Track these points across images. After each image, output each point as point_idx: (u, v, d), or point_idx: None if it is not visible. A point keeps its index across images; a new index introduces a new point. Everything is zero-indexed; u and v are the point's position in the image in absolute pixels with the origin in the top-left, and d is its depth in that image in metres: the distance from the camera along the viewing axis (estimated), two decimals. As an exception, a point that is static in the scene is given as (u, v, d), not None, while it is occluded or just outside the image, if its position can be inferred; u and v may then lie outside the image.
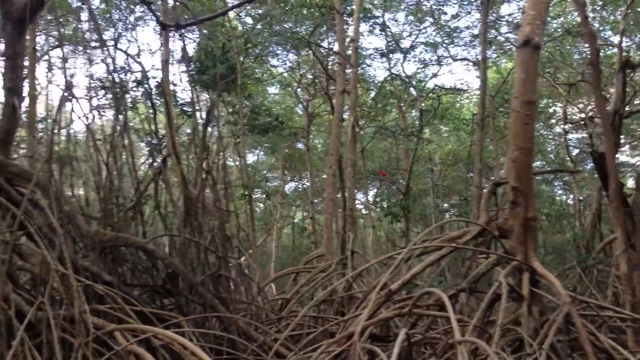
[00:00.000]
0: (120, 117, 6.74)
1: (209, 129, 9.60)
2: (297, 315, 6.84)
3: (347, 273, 8.87)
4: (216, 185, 7.26)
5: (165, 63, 10.72)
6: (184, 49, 7.93)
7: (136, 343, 4.68)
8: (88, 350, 4.57)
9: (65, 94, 5.99)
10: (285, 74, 22.45)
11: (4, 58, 6.74)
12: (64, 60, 6.10)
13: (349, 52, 13.59)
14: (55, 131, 5.64)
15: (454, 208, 20.90)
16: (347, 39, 16.57)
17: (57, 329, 4.51)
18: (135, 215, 6.82)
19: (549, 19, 16.18)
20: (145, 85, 13.72)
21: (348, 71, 12.72)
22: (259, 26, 18.89)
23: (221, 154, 7.82)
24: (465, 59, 19.33)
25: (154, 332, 4.67)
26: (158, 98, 14.75)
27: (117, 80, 7.18)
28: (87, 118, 6.25)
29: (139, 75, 12.57)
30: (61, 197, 5.67)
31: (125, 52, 9.53)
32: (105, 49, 6.72)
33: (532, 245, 5.99)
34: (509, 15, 17.99)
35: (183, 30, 7.42)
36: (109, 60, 6.70)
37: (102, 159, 6.36)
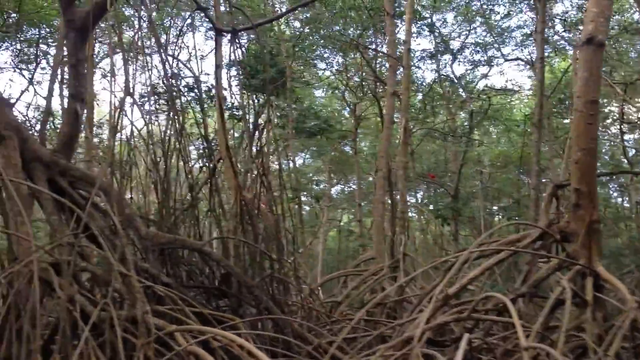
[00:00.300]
0: (175, 121, 6.83)
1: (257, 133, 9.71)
2: (351, 319, 6.81)
3: (398, 277, 8.78)
4: (271, 189, 7.30)
5: (218, 68, 10.83)
6: (241, 54, 7.95)
7: (195, 344, 4.73)
8: (150, 351, 4.64)
9: (124, 99, 6.11)
10: (332, 77, 22.47)
11: (67, 65, 6.94)
12: (125, 63, 6.22)
13: (397, 53, 13.52)
14: (116, 136, 5.74)
15: (505, 211, 20.40)
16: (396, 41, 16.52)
17: (120, 330, 4.59)
18: (190, 218, 6.91)
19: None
20: (196, 90, 13.97)
21: (398, 73, 12.64)
22: (306, 30, 19.01)
23: (273, 157, 7.83)
24: (518, 58, 18.90)
25: (214, 333, 4.72)
26: (209, 102, 14.99)
27: (169, 85, 7.27)
28: (144, 122, 6.36)
29: (190, 81, 12.81)
30: (122, 200, 5.79)
31: (176, 58, 9.68)
32: (160, 54, 6.83)
33: (595, 249, 5.80)
34: (564, 13, 17.46)
35: (235, 35, 7.47)
36: (162, 66, 6.80)
37: (158, 162, 6.46)
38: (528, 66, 22.83)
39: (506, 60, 19.37)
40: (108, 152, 5.87)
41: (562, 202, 6.92)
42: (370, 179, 29.42)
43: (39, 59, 19.24)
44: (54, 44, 19.22)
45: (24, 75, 19.18)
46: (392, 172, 11.41)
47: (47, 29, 17.93)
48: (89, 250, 5.80)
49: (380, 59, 19.19)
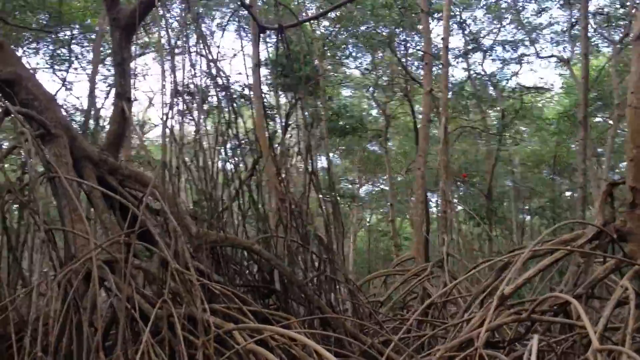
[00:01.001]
0: (222, 121, 6.83)
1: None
2: (402, 319, 6.72)
3: (442, 277, 8.68)
4: (321, 189, 7.25)
5: (257, 67, 10.86)
6: (286, 50, 7.89)
7: (254, 343, 4.69)
8: (209, 349, 4.61)
9: (174, 99, 6.11)
10: (360, 76, 22.39)
11: (113, 64, 6.97)
12: (173, 61, 6.22)
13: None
14: (167, 136, 5.74)
15: (544, 210, 20.12)
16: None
17: (180, 328, 4.58)
18: (234, 217, 6.89)
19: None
20: (231, 90, 13.97)
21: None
22: (337, 28, 18.94)
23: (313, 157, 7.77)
24: (553, 55, 18.62)
25: (275, 331, 4.67)
26: (243, 101, 15.01)
27: (216, 84, 7.26)
28: (195, 122, 6.37)
29: (222, 80, 12.81)
30: (173, 199, 5.79)
31: (206, 57, 9.64)
32: (206, 54, 6.82)
33: (654, 248, 5.64)
34: (599, 9, 17.17)
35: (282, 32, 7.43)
36: (207, 66, 6.80)
37: (205, 162, 6.45)
38: (560, 63, 22.52)
39: (540, 57, 19.06)
40: (162, 152, 5.85)
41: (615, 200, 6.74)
42: (399, 178, 29.33)
43: (72, 60, 19.52)
44: (87, 45, 19.48)
45: (57, 76, 19.46)
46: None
47: (80, 30, 18.16)
48: (142, 248, 5.80)
49: (410, 57, 19.07)
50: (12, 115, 5.70)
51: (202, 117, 6.92)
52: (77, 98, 28.93)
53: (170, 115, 5.81)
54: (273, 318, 5.44)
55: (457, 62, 21.45)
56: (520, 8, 19.97)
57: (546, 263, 5.78)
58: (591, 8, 20.45)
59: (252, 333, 4.96)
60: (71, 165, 6.12)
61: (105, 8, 6.92)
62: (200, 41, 6.48)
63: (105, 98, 20.22)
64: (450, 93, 22.32)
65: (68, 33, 17.93)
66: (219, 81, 6.81)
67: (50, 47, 18.67)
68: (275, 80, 11.53)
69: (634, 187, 5.78)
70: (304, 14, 16.85)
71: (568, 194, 28.61)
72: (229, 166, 7.26)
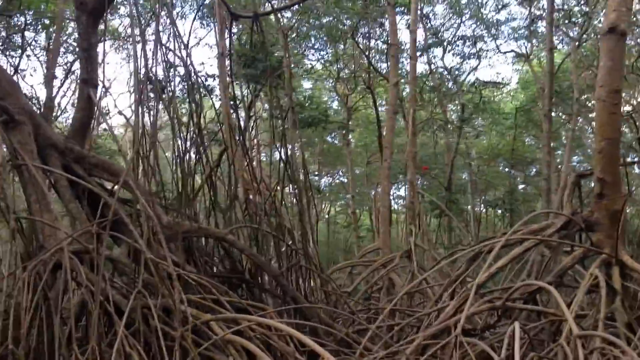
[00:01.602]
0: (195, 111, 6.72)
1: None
2: (375, 308, 6.76)
3: (410, 267, 8.76)
4: (297, 181, 7.21)
5: (222, 56, 10.70)
6: (262, 39, 7.79)
7: (232, 333, 4.64)
8: (187, 341, 4.53)
9: (144, 86, 5.96)
10: (322, 69, 22.36)
11: (79, 50, 6.75)
12: (144, 48, 6.05)
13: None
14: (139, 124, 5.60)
15: (504, 203, 20.53)
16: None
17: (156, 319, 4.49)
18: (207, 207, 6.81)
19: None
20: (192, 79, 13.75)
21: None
22: (299, 19, 18.84)
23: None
24: (512, 50, 19.00)
25: (254, 321, 4.63)
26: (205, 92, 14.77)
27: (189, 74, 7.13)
28: (166, 109, 6.24)
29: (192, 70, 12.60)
30: (146, 188, 5.66)
31: (179, 46, 9.47)
32: (175, 41, 6.69)
33: (620, 238, 5.82)
34: (559, 6, 17.54)
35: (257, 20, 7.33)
36: (181, 57, 6.67)
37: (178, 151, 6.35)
38: (518, 59, 23.00)
39: (501, 52, 19.41)
40: (134, 142, 5.70)
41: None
42: (357, 171, 29.48)
43: (24, 47, 18.86)
44: (41, 31, 18.85)
45: (10, 63, 18.77)
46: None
47: (35, 16, 17.55)
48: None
49: (373, 50, 19.14)
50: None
51: (168, 106, 6.76)
52: (31, 86, 28.09)
53: (141, 103, 5.65)
54: (248, 308, 5.38)
55: (418, 56, 21.64)
56: (480, 4, 20.26)
57: (518, 252, 5.90)
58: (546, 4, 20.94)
59: (229, 324, 4.91)
60: (36, 153, 5.91)
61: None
62: (172, 29, 6.32)
63: (60, 86, 19.65)
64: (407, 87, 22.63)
65: (22, 19, 17.32)
66: (189, 70, 6.65)
67: (3, 34, 18.01)
68: (239, 70, 11.37)
69: (601, 179, 5.94)
70: (267, 5, 16.71)
71: (521, 186, 29.32)
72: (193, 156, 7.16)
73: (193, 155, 7.25)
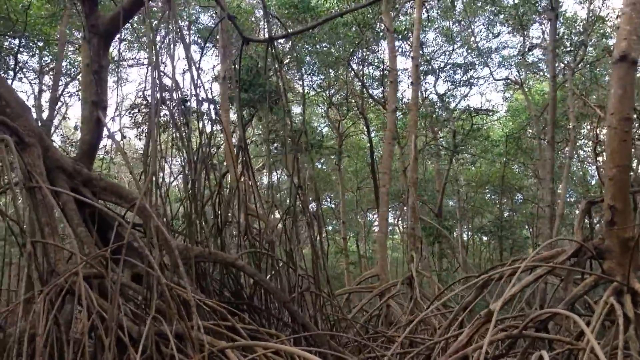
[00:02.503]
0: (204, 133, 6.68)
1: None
2: (386, 336, 6.70)
3: (411, 294, 8.71)
4: (307, 204, 7.16)
5: (224, 80, 10.70)
6: (277, 63, 7.78)
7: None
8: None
9: (157, 108, 5.91)
10: (314, 94, 22.47)
11: (90, 72, 6.72)
12: (155, 70, 6.02)
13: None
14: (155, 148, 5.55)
15: (497, 230, 20.60)
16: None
17: (173, 346, 4.39)
18: (214, 232, 6.73)
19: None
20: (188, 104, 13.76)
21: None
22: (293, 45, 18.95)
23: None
24: (507, 78, 19.23)
25: (274, 348, 4.54)
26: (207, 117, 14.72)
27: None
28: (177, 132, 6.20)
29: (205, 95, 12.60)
30: (159, 213, 5.58)
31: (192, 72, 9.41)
32: (190, 68, 6.66)
33: (632, 265, 5.82)
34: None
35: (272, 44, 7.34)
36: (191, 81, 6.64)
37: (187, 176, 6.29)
38: (508, 86, 23.30)
39: (495, 80, 19.63)
40: (145, 167, 5.64)
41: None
42: (347, 196, 29.48)
43: (16, 69, 18.76)
44: (33, 54, 18.78)
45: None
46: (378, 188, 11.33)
47: (29, 39, 17.48)
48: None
49: (367, 76, 19.26)
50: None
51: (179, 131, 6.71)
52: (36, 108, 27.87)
53: (154, 126, 5.60)
54: (261, 336, 5.30)
55: (408, 84, 21.85)
56: (471, 33, 20.56)
57: (530, 279, 5.88)
58: (538, 34, 21.34)
59: (244, 351, 4.82)
60: (45, 175, 5.83)
61: (83, 15, 6.66)
62: (186, 54, 6.31)
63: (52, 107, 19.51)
64: (400, 114, 22.80)
65: (16, 42, 17.24)
66: (201, 95, 6.64)
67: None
68: (237, 94, 11.37)
69: (612, 206, 5.97)
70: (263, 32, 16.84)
71: (507, 214, 29.43)
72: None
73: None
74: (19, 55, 18.76)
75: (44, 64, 19.46)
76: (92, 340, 5.18)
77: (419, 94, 21.65)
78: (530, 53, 17.89)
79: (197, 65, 7.13)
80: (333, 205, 32.08)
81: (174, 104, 6.33)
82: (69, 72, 19.55)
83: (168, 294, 4.69)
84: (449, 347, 5.81)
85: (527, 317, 5.70)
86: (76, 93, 18.70)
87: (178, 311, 4.72)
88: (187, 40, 6.31)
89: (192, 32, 17.57)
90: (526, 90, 21.61)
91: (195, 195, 6.01)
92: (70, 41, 16.42)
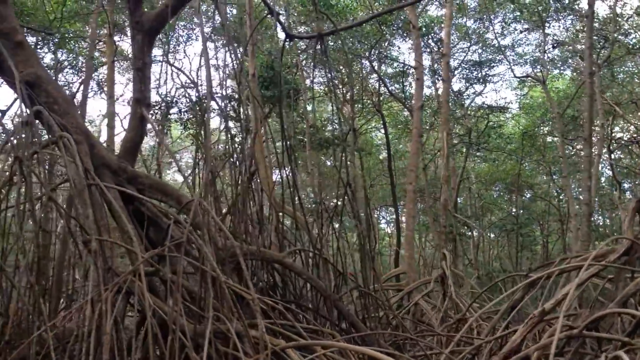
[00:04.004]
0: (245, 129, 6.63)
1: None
2: (431, 334, 6.67)
3: (448, 291, 8.67)
4: (355, 201, 7.13)
5: (253, 77, 10.66)
6: (325, 58, 7.75)
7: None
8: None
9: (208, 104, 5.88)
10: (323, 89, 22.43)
11: (133, 69, 6.68)
12: (208, 67, 5.98)
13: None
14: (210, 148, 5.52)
15: (511, 226, 20.58)
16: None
17: (219, 345, 4.36)
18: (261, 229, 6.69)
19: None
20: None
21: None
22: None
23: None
24: (528, 75, 19.14)
25: (338, 347, 4.50)
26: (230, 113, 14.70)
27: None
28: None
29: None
30: (198, 212, 5.53)
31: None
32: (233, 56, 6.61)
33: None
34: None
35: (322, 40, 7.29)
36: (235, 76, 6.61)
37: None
38: (522, 84, 23.22)
39: (516, 77, 19.53)
40: (206, 168, 5.61)
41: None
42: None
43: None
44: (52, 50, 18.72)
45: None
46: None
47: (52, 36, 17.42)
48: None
49: (387, 73, 19.22)
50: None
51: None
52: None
53: (208, 122, 5.58)
54: (316, 335, 5.27)
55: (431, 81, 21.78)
56: (487, 30, 20.49)
57: (583, 278, 5.84)
58: (553, 30, 21.21)
59: (300, 350, 4.78)
60: (93, 172, 5.80)
61: (127, 11, 6.63)
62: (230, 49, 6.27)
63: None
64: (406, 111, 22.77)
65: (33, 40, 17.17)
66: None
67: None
68: (260, 91, 11.35)
69: (662, 204, 5.94)
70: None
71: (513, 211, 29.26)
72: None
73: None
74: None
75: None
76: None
77: (433, 91, 21.73)
78: (550, 50, 17.81)
79: (239, 61, 7.09)
80: (339, 203, 31.88)
81: (222, 101, 6.29)
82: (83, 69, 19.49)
83: (227, 293, 4.66)
84: (495, 346, 5.79)
85: (580, 317, 5.67)
86: (97, 90, 18.61)
87: (237, 310, 4.70)
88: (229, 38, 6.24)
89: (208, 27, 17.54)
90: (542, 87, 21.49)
91: (244, 191, 5.98)
92: (83, 37, 16.34)
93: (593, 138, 25.12)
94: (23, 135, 5.24)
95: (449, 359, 5.20)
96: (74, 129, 5.83)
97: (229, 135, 7.12)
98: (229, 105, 12.38)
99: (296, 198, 7.73)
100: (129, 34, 19.21)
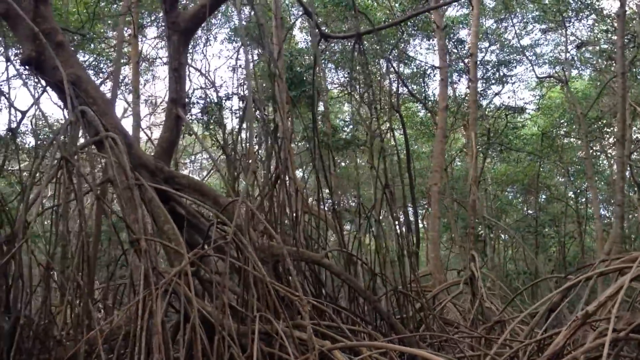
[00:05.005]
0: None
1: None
2: (471, 336, 6.63)
3: (478, 293, 8.62)
4: (394, 201, 7.11)
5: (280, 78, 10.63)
6: (363, 58, 7.75)
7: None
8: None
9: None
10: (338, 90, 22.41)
11: (169, 69, 6.69)
12: (248, 67, 5.98)
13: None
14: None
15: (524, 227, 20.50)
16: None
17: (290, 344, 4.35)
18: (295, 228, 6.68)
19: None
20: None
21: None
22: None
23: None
24: (550, 76, 19.03)
25: (388, 347, 4.48)
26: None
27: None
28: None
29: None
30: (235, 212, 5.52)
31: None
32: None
33: None
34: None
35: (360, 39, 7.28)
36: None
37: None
38: (540, 84, 23.08)
39: (538, 77, 19.41)
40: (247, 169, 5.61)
41: None
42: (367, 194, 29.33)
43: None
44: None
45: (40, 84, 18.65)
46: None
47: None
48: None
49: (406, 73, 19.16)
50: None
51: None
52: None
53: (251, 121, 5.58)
54: (355, 334, 5.25)
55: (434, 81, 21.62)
56: (505, 30, 20.41)
57: (625, 280, 5.78)
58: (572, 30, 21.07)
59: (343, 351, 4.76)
60: (130, 172, 5.81)
61: (163, 11, 6.64)
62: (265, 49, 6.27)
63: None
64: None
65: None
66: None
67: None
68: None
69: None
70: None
71: (532, 212, 29.04)
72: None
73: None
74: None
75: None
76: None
77: (451, 92, 21.63)
78: (573, 50, 17.68)
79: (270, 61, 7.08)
80: (352, 203, 31.86)
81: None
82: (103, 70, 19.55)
83: (274, 293, 4.65)
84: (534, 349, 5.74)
85: (622, 320, 5.60)
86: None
87: (282, 311, 4.69)
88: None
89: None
90: (563, 88, 21.34)
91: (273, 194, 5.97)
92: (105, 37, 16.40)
93: (611, 139, 25.07)
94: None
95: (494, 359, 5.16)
96: (112, 129, 5.85)
97: (262, 137, 7.13)
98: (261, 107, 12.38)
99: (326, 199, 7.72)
100: (148, 35, 19.35)
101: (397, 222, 6.95)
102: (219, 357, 4.47)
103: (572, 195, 26.48)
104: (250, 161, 5.44)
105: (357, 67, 19.72)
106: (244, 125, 8.35)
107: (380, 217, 8.19)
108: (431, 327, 6.85)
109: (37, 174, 5.19)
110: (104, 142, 5.16)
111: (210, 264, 5.81)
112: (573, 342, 5.86)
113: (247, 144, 7.16)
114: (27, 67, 5.74)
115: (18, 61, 6.39)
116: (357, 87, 21.46)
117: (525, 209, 29.42)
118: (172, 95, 6.61)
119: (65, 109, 6.08)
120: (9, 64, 5.55)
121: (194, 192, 6.31)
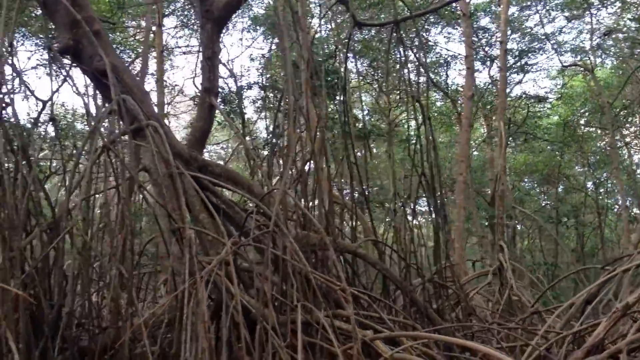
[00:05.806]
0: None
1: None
2: (507, 325, 6.62)
3: (507, 283, 8.57)
4: (431, 191, 7.07)
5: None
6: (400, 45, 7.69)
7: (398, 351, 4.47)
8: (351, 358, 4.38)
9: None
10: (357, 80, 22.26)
11: (203, 58, 6.67)
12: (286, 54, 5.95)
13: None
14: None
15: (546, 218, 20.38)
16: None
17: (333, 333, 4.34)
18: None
19: None
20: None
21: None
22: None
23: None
24: (576, 64, 18.79)
25: (431, 338, 4.46)
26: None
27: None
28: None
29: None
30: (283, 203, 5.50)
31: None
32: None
33: None
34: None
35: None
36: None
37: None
38: (561, 73, 22.82)
39: (564, 66, 19.18)
40: (285, 159, 5.60)
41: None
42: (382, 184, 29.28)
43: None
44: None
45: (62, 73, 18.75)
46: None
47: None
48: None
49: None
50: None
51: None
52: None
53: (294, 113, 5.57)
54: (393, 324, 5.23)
55: (462, 70, 21.45)
56: (526, 18, 20.19)
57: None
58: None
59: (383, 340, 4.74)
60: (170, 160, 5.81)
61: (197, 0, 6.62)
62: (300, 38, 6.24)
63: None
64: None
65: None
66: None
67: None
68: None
69: None
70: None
71: (545, 203, 28.80)
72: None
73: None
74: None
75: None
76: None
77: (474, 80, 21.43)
78: (600, 38, 17.45)
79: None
80: (367, 193, 31.63)
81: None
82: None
83: (314, 284, 4.64)
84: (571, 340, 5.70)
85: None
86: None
87: (324, 301, 4.68)
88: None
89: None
90: (586, 76, 21.09)
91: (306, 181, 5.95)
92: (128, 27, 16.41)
93: (632, 129, 24.79)
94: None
95: (535, 349, 5.11)
96: (148, 116, 5.85)
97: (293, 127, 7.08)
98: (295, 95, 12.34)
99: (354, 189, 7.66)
100: (166, 25, 19.33)
101: (433, 212, 6.90)
102: (260, 347, 4.47)
103: (591, 186, 26.25)
104: (287, 152, 5.37)
105: (379, 57, 19.67)
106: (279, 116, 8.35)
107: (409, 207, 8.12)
108: (466, 317, 6.83)
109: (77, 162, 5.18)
110: (145, 130, 5.15)
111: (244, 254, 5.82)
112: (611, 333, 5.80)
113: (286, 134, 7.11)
114: (64, 55, 5.74)
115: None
116: (378, 76, 21.41)
117: (542, 199, 29.20)
118: (205, 84, 6.60)
119: (100, 98, 6.09)
120: (51, 53, 5.49)
121: (228, 180, 6.30)
